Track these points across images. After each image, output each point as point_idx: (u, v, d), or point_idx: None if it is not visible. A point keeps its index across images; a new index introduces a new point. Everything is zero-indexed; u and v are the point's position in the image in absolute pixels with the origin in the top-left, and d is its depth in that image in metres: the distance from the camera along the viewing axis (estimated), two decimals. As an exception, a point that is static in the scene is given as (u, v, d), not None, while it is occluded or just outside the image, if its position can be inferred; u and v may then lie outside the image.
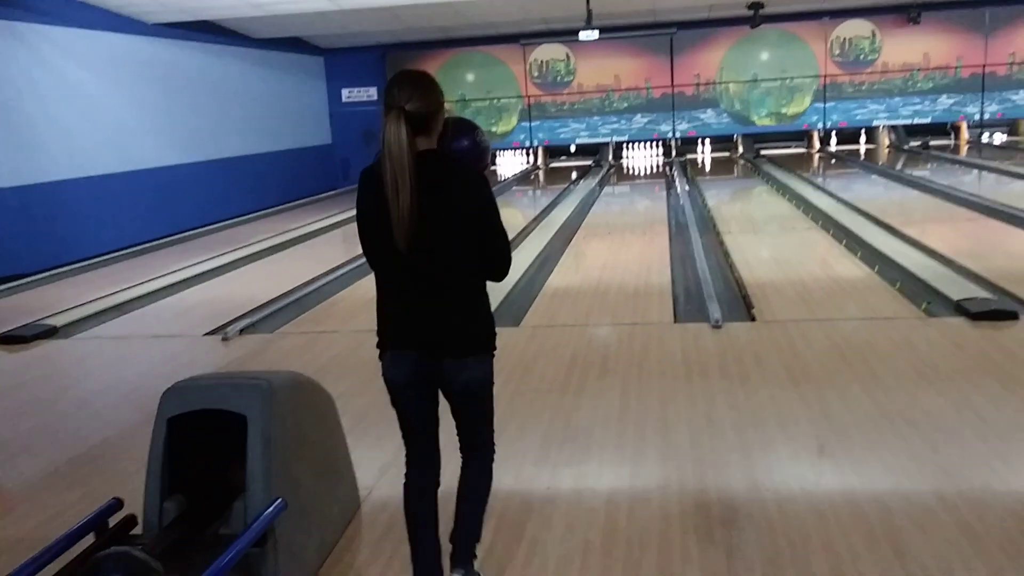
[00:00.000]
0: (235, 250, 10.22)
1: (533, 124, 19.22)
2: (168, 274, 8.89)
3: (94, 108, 11.22)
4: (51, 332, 6.77)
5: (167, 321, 7.19)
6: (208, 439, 2.82)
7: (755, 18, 16.29)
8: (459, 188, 2.51)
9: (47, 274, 9.42)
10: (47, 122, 10.36)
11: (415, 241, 2.45)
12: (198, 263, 9.45)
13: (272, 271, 9.17)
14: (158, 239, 11.64)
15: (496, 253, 2.61)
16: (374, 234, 2.55)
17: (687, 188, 13.74)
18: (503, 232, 2.62)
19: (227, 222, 13.15)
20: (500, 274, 2.66)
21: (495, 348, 2.69)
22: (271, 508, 2.60)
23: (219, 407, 2.73)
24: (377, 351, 2.69)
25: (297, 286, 7.96)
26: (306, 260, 9.61)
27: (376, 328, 2.66)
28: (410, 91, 2.45)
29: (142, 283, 8.46)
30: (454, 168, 2.54)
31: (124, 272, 9.40)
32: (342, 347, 6.00)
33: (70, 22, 10.86)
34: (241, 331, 6.47)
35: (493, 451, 2.84)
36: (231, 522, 2.67)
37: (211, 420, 2.76)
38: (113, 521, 2.67)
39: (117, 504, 2.73)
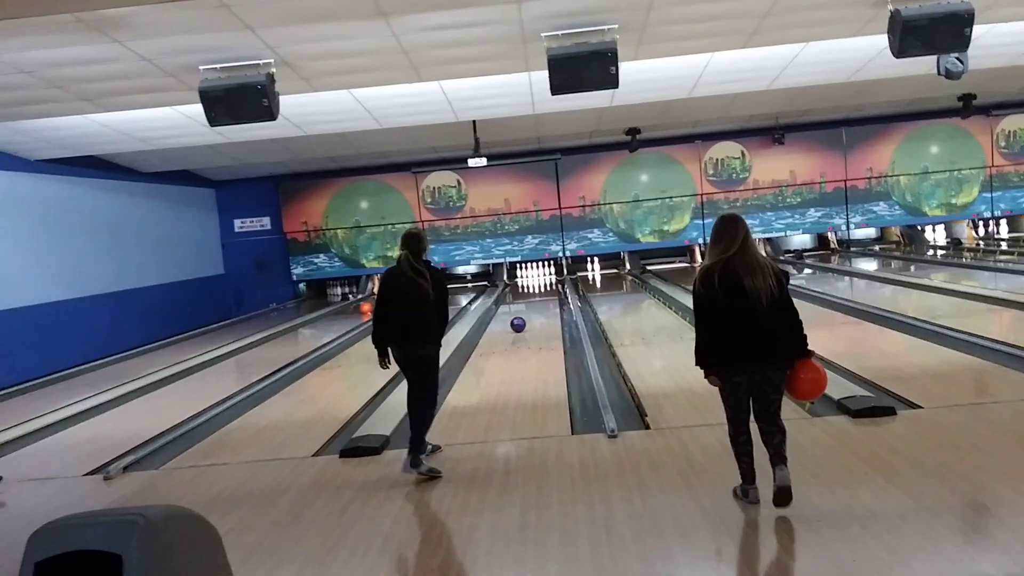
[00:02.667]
0: (121, 385, 9.80)
1: (430, 248, 19.44)
2: (48, 413, 8.42)
3: (-32, 245, 10.81)
4: (-87, 482, 6.27)
5: (44, 462, 6.78)
6: (81, 583, 2.64)
7: (633, 143, 17.19)
8: (434, 278, 5.51)
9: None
10: (-84, 261, 9.91)
11: (413, 299, 5.40)
12: (81, 400, 9.00)
13: (160, 405, 8.82)
14: (40, 377, 11.07)
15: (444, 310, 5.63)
16: (394, 299, 5.47)
17: (579, 304, 14.06)
18: (446, 299, 5.64)
19: (115, 357, 12.65)
20: (445, 318, 5.66)
21: (440, 342, 5.65)
22: (149, 654, 2.43)
23: (91, 547, 2.57)
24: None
25: (186, 419, 7.67)
26: (196, 392, 9.29)
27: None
28: (409, 239, 5.55)
29: (19, 424, 7.98)
30: (433, 271, 5.55)
31: (0, 414, 8.89)
32: (232, 480, 5.77)
33: (-56, 159, 10.57)
34: (125, 468, 6.15)
35: (436, 398, 5.74)
36: (105, 673, 2.48)
37: (84, 563, 2.59)
38: None
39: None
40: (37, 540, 2.64)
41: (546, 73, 7.39)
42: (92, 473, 6.21)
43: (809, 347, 4.34)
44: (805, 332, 4.32)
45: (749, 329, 4.15)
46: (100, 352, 12.71)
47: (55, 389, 10.37)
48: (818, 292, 12.77)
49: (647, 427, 6.18)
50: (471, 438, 6.33)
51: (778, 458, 4.30)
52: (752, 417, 4.38)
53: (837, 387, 6.65)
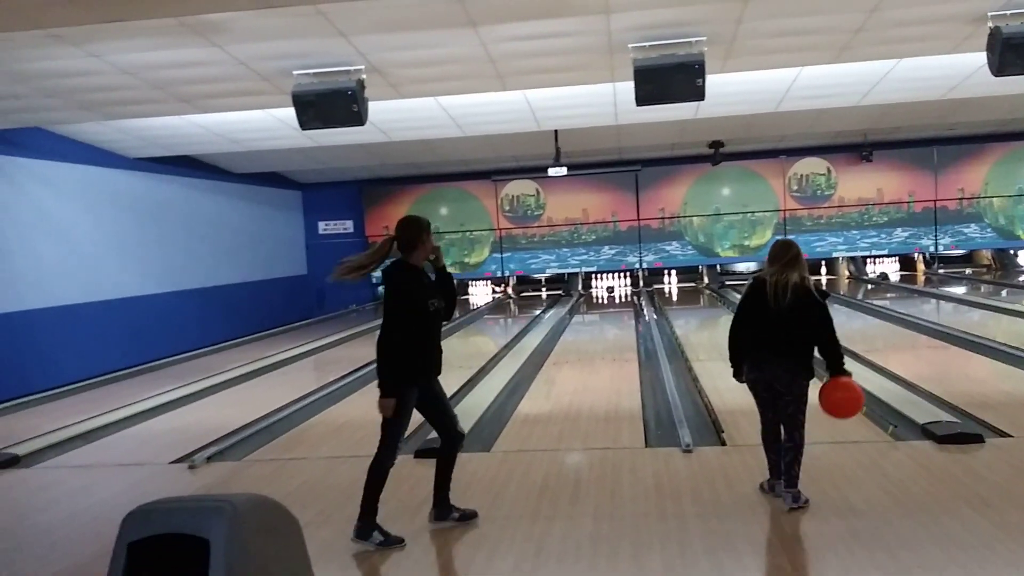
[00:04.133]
0: (206, 378, 10.12)
1: (504, 255, 19.60)
2: (136, 402, 8.75)
3: (69, 239, 11.33)
4: (13, 461, 6.61)
5: (133, 449, 7.06)
6: (170, 566, 2.74)
7: (716, 156, 17.00)
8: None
9: (13, 403, 9.26)
10: (22, 252, 10.42)
11: None
12: (167, 391, 9.33)
13: (243, 399, 9.09)
14: (129, 368, 11.51)
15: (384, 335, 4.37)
16: None
17: (655, 317, 13.94)
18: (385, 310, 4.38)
19: (200, 351, 13.07)
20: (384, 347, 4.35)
21: (392, 381, 4.32)
22: (232, 638, 2.51)
23: (181, 531, 2.67)
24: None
25: (267, 413, 7.88)
26: (277, 388, 9.54)
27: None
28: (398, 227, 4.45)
29: (109, 412, 8.32)
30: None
31: (92, 401, 9.27)
32: (310, 475, 5.91)
33: (51, 155, 11.09)
34: (208, 459, 6.36)
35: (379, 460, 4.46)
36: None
37: (173, 545, 2.69)
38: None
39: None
40: (130, 522, 2.74)
41: (631, 84, 7.38)
42: (177, 461, 6.43)
43: (843, 367, 4.66)
44: (840, 351, 4.67)
45: (764, 336, 4.64)
46: (187, 346, 13.15)
47: (144, 379, 10.76)
48: (903, 313, 12.39)
49: (723, 443, 6.11)
50: (543, 445, 6.35)
51: (787, 481, 4.68)
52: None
53: (921, 411, 6.47)
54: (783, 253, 4.75)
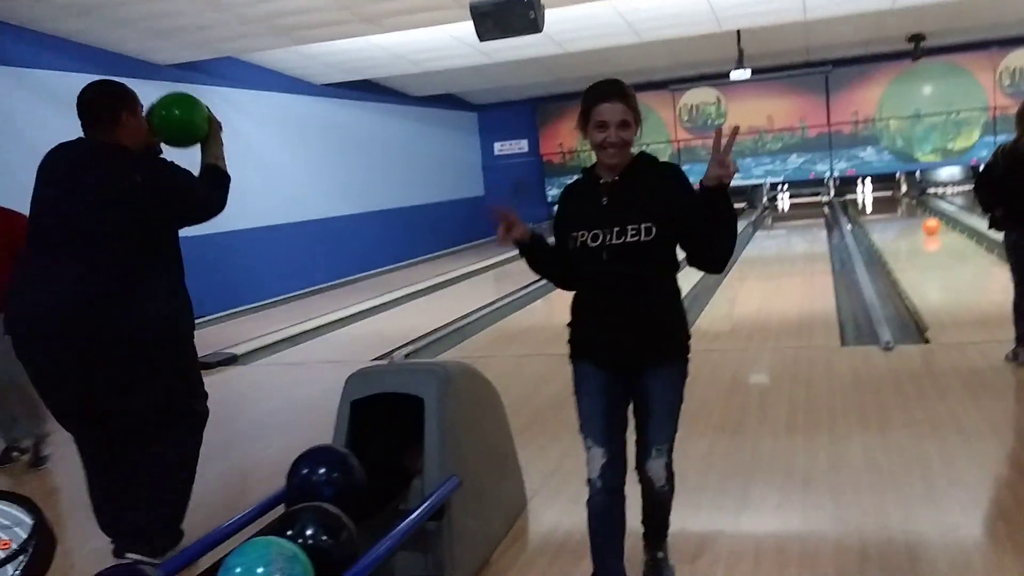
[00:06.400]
0: (396, 290, 10.65)
1: (684, 168, 19.04)
2: (335, 311, 9.35)
3: (267, 164, 12.05)
4: (232, 360, 7.25)
5: (336, 349, 7.57)
6: (386, 423, 2.95)
7: (916, 51, 15.64)
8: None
9: (227, 313, 10.10)
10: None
11: None
12: (362, 301, 9.90)
13: (432, 307, 9.50)
14: (323, 285, 12.26)
15: None
16: None
17: (848, 227, 13.25)
18: None
19: (387, 268, 13.72)
20: None
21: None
22: (446, 485, 2.68)
23: (398, 391, 2.86)
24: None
25: (455, 319, 8.20)
26: (462, 298, 9.90)
27: None
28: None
29: (312, 319, 8.94)
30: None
31: (295, 310, 9.98)
32: (501, 370, 6.06)
33: (247, 84, 11.76)
34: (406, 357, 6.72)
35: None
36: (409, 499, 2.77)
37: (390, 404, 2.89)
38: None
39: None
40: (353, 381, 2.98)
41: (824, -33, 6.91)
42: (378, 359, 6.82)
43: None
44: None
45: None
46: (373, 264, 13.81)
47: (339, 292, 11.46)
48: None
49: (927, 341, 5.78)
50: (730, 346, 6.25)
51: None
52: None
53: None
54: None
